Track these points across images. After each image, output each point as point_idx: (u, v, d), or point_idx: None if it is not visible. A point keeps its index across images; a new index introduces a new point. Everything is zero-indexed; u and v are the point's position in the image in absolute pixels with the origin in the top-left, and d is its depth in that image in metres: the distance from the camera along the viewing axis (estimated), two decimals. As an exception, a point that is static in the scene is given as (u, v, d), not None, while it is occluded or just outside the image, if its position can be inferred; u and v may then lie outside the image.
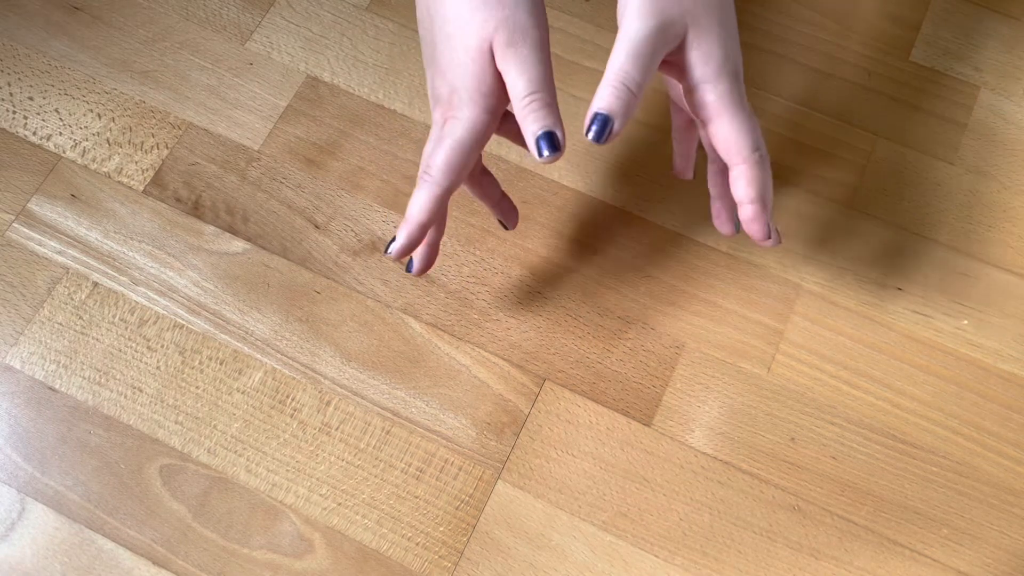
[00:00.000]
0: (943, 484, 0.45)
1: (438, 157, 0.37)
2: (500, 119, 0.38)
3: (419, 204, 0.38)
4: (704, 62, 0.35)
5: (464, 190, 0.44)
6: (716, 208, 0.44)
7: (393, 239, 0.39)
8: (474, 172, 0.43)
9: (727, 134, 0.36)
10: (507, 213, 0.46)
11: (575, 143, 0.52)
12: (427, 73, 0.39)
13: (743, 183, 0.37)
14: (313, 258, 0.49)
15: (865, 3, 0.56)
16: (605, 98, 0.34)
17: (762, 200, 0.37)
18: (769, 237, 0.39)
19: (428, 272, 0.47)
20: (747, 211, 0.38)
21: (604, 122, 0.34)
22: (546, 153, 0.35)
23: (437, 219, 0.39)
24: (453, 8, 0.35)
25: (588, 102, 0.53)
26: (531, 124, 0.35)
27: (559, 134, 0.35)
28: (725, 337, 0.48)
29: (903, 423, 0.46)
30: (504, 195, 0.45)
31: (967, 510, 0.45)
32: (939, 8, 0.56)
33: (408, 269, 0.44)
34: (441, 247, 0.50)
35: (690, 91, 0.37)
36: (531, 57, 0.35)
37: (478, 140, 0.37)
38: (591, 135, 0.34)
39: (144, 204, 0.50)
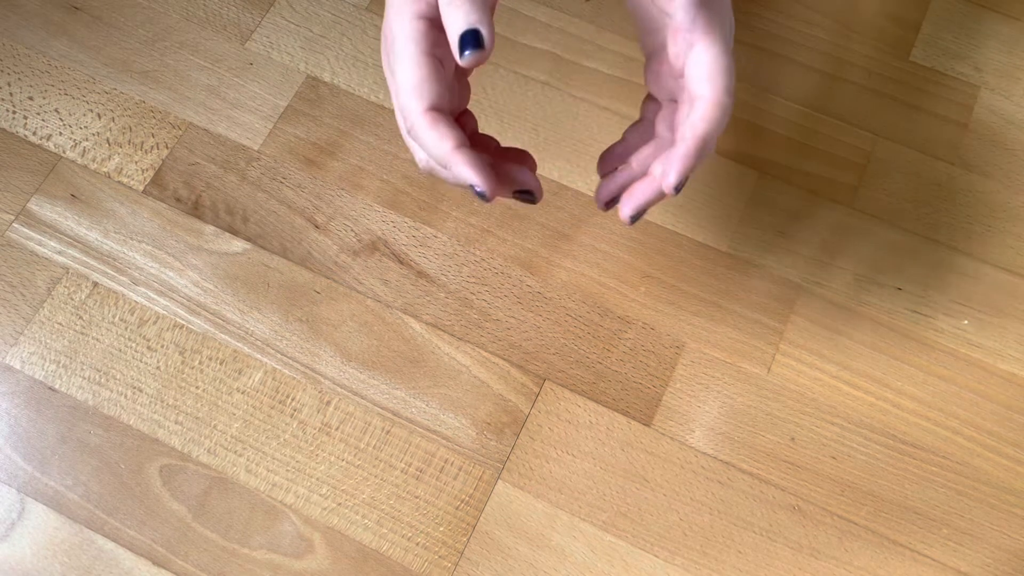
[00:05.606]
0: (943, 484, 0.45)
1: (402, 90, 0.33)
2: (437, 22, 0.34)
3: (429, 141, 0.33)
4: None
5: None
6: (619, 175, 0.39)
7: (473, 188, 0.34)
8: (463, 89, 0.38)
9: (702, 61, 0.33)
10: (485, 145, 0.40)
11: (575, 143, 0.52)
12: None
13: (698, 116, 0.33)
14: (313, 258, 0.49)
15: (865, 3, 0.56)
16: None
17: (704, 143, 0.33)
18: (677, 190, 0.34)
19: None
20: (684, 146, 0.33)
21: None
22: (468, 52, 0.31)
23: (460, 133, 0.34)
24: None
25: (588, 102, 0.53)
26: (453, 22, 0.32)
27: (484, 31, 0.31)
28: (725, 337, 0.48)
29: (903, 423, 0.46)
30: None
31: (967, 510, 0.45)
32: (939, 8, 0.56)
33: (527, 198, 0.37)
34: (442, 246, 0.50)
35: (669, 29, 0.34)
36: None
37: (425, 48, 0.33)
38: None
39: (144, 204, 0.50)
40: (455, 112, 0.37)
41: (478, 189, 0.33)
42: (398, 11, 0.34)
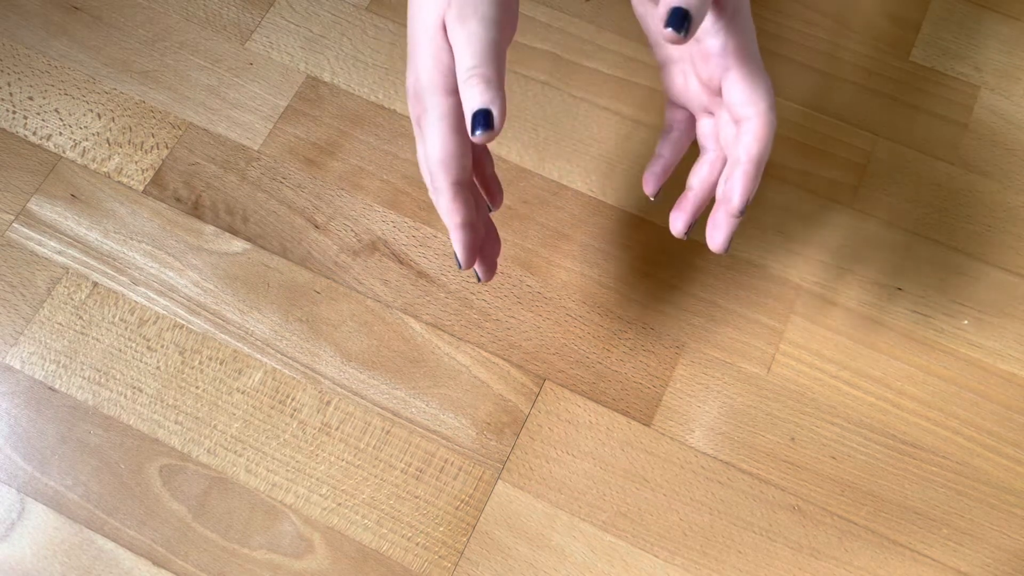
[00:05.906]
0: (943, 484, 0.45)
1: (431, 160, 0.36)
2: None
3: (445, 210, 0.37)
4: None
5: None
6: (685, 200, 0.41)
7: (456, 256, 0.38)
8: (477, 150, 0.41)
9: (742, 85, 0.35)
10: (493, 193, 0.44)
11: (576, 143, 0.52)
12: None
13: (750, 137, 0.35)
14: (313, 258, 0.49)
15: (865, 3, 0.56)
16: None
17: (760, 163, 0.36)
18: (743, 212, 0.37)
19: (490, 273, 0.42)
20: (742, 170, 0.36)
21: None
22: (479, 132, 0.33)
23: (471, 210, 0.37)
24: None
25: (588, 102, 0.53)
26: (469, 100, 0.34)
27: (495, 112, 0.33)
28: (725, 337, 0.48)
29: (903, 423, 0.46)
30: (494, 175, 0.44)
31: (967, 510, 0.45)
32: (939, 8, 0.56)
33: (477, 279, 0.42)
34: (442, 246, 0.50)
35: (696, 52, 0.36)
36: (478, 31, 0.34)
37: (454, 124, 0.36)
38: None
39: (144, 204, 0.50)
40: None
41: (459, 260, 0.38)
42: (430, 84, 0.36)
